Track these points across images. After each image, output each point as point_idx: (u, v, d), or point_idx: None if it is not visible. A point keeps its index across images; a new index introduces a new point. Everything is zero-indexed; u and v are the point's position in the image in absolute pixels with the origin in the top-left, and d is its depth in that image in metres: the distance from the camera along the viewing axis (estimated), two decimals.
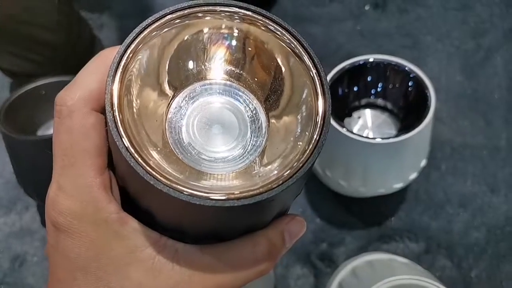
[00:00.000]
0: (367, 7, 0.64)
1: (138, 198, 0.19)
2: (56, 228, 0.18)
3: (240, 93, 0.19)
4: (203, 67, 0.19)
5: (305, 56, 0.18)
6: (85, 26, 0.61)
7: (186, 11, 0.18)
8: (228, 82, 0.19)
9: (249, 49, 0.19)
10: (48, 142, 0.41)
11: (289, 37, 0.19)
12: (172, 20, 0.18)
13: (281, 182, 0.16)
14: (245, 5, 0.19)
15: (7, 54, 0.52)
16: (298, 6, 0.65)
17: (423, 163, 0.44)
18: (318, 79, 0.18)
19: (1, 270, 0.55)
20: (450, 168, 0.53)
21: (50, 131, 0.48)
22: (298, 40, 0.19)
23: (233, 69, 0.19)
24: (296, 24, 0.63)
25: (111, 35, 0.66)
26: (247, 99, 0.19)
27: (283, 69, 0.19)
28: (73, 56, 0.58)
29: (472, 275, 0.48)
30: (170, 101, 0.19)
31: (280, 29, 0.19)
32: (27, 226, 0.57)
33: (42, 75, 0.49)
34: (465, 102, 0.57)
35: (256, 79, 0.19)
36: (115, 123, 0.16)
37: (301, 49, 0.18)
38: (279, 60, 0.19)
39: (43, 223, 0.57)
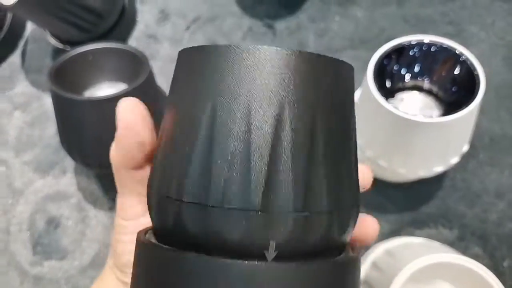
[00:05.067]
0: None
1: None
2: None
3: None
4: None
5: None
6: None
7: None
8: None
9: None
10: (93, 103, 0.42)
11: None
12: None
13: None
14: None
15: (56, 20, 0.53)
16: None
17: (465, 148, 0.44)
18: None
19: (37, 231, 0.57)
20: (488, 158, 0.52)
21: (96, 94, 0.49)
22: None
23: None
24: (339, 5, 0.63)
25: (152, 9, 0.67)
26: None
27: None
28: (118, 26, 0.59)
29: (505, 265, 0.48)
30: None
31: None
32: (64, 190, 0.58)
33: (87, 42, 0.50)
34: (506, 93, 0.56)
35: None
36: None
37: None
38: None
39: (79, 188, 0.58)
